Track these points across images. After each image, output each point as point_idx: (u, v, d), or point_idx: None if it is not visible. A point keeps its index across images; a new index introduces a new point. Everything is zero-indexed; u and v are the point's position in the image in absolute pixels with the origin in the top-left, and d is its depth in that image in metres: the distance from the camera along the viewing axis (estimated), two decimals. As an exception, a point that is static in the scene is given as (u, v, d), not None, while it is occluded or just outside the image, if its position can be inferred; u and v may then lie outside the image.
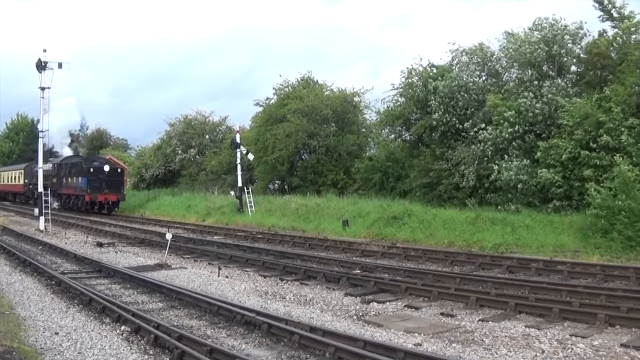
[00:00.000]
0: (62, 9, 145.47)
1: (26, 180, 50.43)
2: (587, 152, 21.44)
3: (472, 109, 28.07)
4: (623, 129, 20.70)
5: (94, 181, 40.00)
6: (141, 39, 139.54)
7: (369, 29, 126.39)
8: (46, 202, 29.20)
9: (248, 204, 33.99)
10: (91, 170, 40.53)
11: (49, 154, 48.01)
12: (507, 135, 24.67)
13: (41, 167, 30.67)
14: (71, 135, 55.40)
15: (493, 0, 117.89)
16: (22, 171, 52.49)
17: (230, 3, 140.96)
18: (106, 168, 41.15)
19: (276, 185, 42.76)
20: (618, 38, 23.90)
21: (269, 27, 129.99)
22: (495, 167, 24.57)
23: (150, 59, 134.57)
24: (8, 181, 58.44)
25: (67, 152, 52.48)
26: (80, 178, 41.31)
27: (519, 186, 23.72)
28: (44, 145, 33.14)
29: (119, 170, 43.54)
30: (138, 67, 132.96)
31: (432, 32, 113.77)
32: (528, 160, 23.87)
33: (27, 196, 50.70)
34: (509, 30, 27.55)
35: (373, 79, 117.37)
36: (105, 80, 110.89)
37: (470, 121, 27.54)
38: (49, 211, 29.54)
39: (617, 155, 19.80)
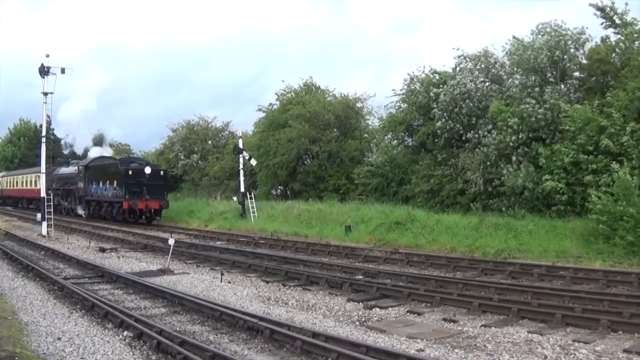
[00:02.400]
0: (67, 12, 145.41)
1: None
2: (586, 156, 21.44)
3: (475, 117, 27.95)
4: (623, 132, 20.68)
5: (132, 185, 34.70)
6: (146, 41, 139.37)
7: (377, 35, 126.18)
8: (49, 206, 29.20)
9: (250, 210, 33.95)
10: (130, 172, 35.18)
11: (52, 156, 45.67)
12: (511, 143, 24.61)
13: (44, 172, 30.64)
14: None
15: (499, 11, 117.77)
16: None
17: (237, 8, 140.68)
18: (147, 170, 35.61)
19: (279, 190, 42.74)
20: (621, 44, 23.90)
21: (276, 32, 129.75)
22: (504, 172, 24.50)
23: (156, 63, 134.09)
24: (22, 186, 54.29)
25: (95, 152, 47.04)
26: (115, 182, 36.20)
27: (525, 193, 23.71)
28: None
29: (162, 172, 37.73)
30: (143, 71, 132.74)
31: (439, 40, 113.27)
32: (532, 168, 23.83)
33: None
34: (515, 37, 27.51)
35: (380, 85, 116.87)
36: (110, 83, 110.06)
37: (472, 131, 27.32)
38: (52, 216, 29.54)
39: (615, 161, 19.73)
